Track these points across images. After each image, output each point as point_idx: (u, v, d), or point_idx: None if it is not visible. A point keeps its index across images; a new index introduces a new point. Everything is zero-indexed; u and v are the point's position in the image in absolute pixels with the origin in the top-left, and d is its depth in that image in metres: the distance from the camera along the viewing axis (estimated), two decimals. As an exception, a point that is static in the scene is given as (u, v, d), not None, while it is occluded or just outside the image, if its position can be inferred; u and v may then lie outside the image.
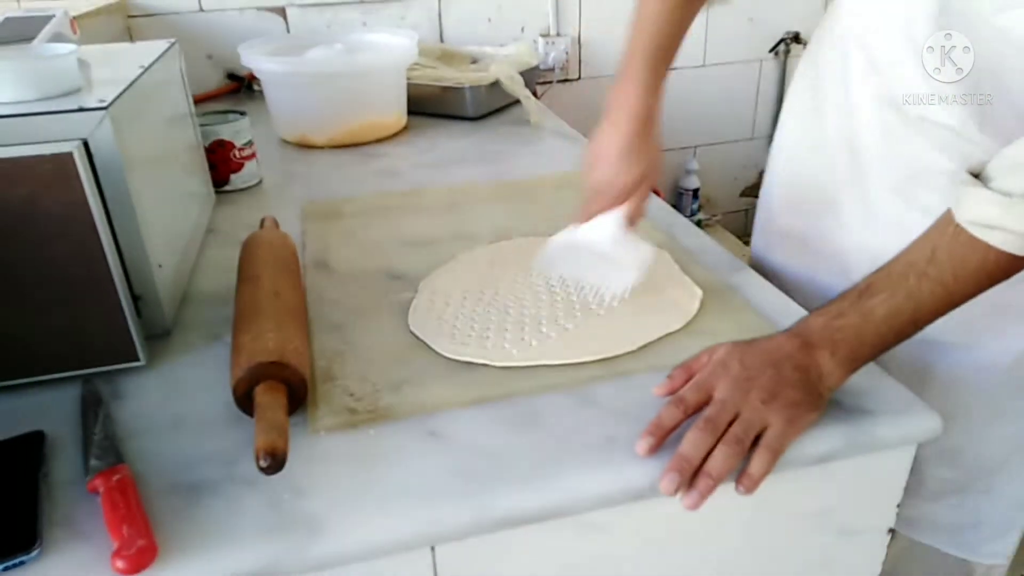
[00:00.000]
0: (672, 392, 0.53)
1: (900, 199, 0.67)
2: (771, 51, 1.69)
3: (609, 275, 0.66)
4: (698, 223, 1.74)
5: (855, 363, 0.52)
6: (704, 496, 0.47)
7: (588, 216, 0.68)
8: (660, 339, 0.61)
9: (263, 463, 0.44)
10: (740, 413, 0.49)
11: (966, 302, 0.51)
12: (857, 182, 0.71)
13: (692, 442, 0.48)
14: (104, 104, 0.57)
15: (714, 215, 1.84)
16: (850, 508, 0.55)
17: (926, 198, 0.65)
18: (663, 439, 0.49)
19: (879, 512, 0.56)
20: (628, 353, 0.59)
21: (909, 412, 0.52)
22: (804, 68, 0.80)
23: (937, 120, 0.62)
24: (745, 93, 1.70)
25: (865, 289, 0.53)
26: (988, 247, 0.48)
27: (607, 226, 0.66)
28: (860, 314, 0.52)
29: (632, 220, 0.67)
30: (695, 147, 1.78)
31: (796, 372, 0.51)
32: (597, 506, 0.48)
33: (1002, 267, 0.49)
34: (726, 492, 0.48)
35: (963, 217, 0.50)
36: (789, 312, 0.65)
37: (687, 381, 0.53)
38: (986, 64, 0.56)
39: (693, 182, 1.76)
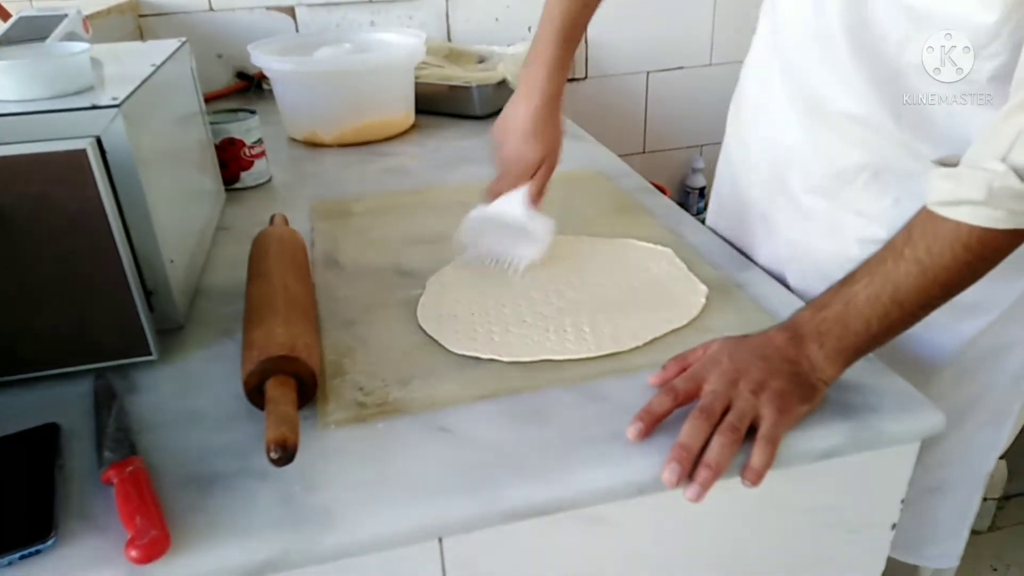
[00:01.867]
0: (664, 382, 0.54)
1: (826, 199, 0.69)
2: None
3: (518, 247, 0.72)
4: (703, 221, 1.74)
5: (845, 353, 0.52)
6: (705, 487, 0.47)
7: (496, 193, 0.73)
8: (665, 335, 0.61)
9: (274, 455, 0.45)
10: (732, 403, 0.50)
11: (953, 284, 0.51)
12: (781, 186, 0.73)
13: (689, 431, 0.49)
14: (117, 102, 0.58)
15: (721, 214, 1.84)
16: (854, 504, 0.56)
17: (853, 197, 0.66)
18: (653, 425, 0.50)
19: (883, 508, 0.56)
20: (634, 349, 0.59)
21: (913, 408, 0.53)
22: (743, 65, 0.82)
23: (850, 113, 0.63)
24: (752, 92, 1.70)
25: (847, 279, 0.54)
26: (958, 223, 0.49)
27: (514, 202, 0.72)
28: (843, 302, 0.53)
29: (535, 197, 0.72)
30: (701, 146, 1.78)
31: (785, 363, 0.52)
32: (603, 500, 0.48)
33: (978, 239, 0.49)
34: (731, 487, 0.49)
35: (931, 199, 0.51)
36: (793, 307, 0.65)
37: (680, 372, 0.54)
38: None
39: (699, 180, 1.76)
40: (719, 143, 1.95)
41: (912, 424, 0.52)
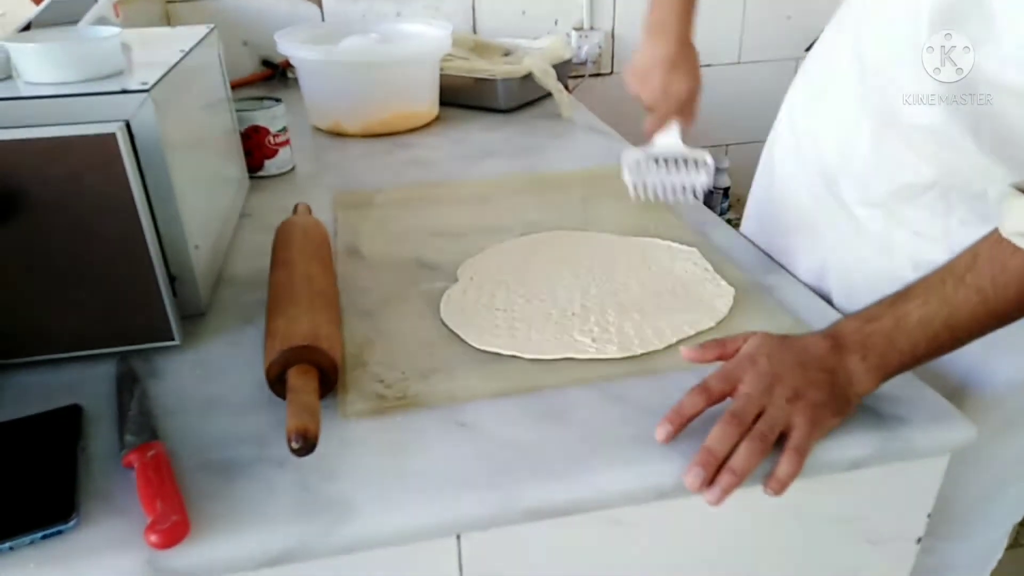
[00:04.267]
0: (700, 360, 0.53)
1: (882, 213, 0.66)
2: (807, 49, 1.66)
3: (684, 177, 0.80)
4: (728, 222, 1.72)
5: (886, 369, 0.51)
6: (726, 492, 0.46)
7: (653, 128, 0.79)
8: (690, 337, 0.60)
9: (295, 444, 0.45)
10: (765, 409, 0.49)
11: (1010, 317, 0.50)
12: (833, 195, 0.71)
13: (718, 436, 0.47)
14: (146, 87, 0.58)
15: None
16: (880, 516, 0.55)
17: (912, 216, 0.64)
18: (682, 426, 0.49)
19: (909, 521, 0.55)
20: (657, 351, 0.59)
21: (944, 420, 0.51)
22: (803, 69, 0.80)
23: (923, 125, 0.60)
24: (780, 92, 1.68)
25: (901, 294, 0.52)
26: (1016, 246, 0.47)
27: (672, 136, 0.80)
28: (893, 318, 0.51)
29: (685, 129, 0.79)
30: (727, 145, 1.76)
31: (823, 373, 0.50)
32: (623, 502, 0.48)
33: None
34: (754, 493, 0.48)
35: (1007, 229, 0.48)
36: (824, 315, 0.64)
37: (717, 358, 0.53)
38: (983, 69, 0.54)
39: (724, 180, 1.74)
40: (745, 143, 1.93)
41: (943, 436, 0.51)
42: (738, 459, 0.47)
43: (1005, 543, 0.77)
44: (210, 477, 0.47)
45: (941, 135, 0.59)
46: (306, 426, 0.45)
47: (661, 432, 0.49)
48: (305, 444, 0.45)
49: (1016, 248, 0.48)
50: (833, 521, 0.54)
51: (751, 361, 0.51)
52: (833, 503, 0.53)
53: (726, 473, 0.46)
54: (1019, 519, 0.76)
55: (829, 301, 0.69)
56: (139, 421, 0.51)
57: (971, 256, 0.50)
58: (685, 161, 0.80)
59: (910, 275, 0.64)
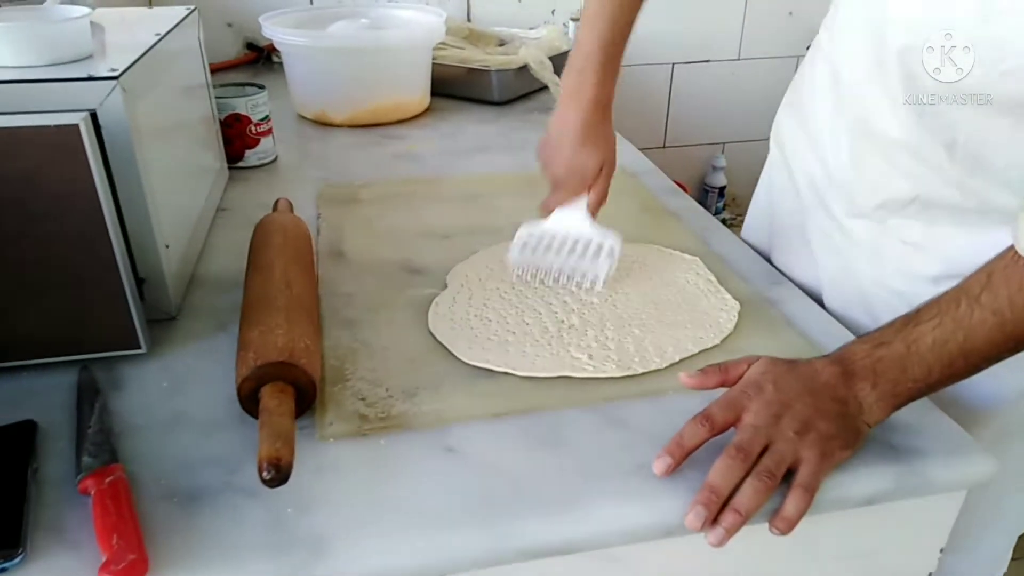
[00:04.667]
0: (701, 387, 0.50)
1: (870, 224, 0.64)
2: (809, 47, 1.63)
3: (585, 263, 0.66)
4: (723, 222, 1.70)
5: (898, 398, 0.48)
6: (730, 533, 0.43)
7: (553, 206, 0.69)
8: (693, 356, 0.57)
9: (266, 475, 0.41)
10: (772, 443, 0.45)
11: None
12: (823, 207, 0.69)
13: (721, 471, 0.44)
14: (115, 73, 0.53)
15: (739, 215, 1.80)
16: (891, 552, 0.52)
17: (899, 224, 0.62)
18: (683, 459, 0.46)
19: (921, 556, 0.52)
20: (659, 370, 0.55)
21: (962, 454, 0.48)
22: (792, 82, 0.77)
23: (897, 139, 0.58)
24: (779, 89, 1.65)
25: (913, 316, 0.49)
26: None
27: (576, 214, 0.68)
28: (905, 343, 0.48)
29: (594, 208, 0.68)
30: (723, 143, 1.73)
31: (833, 403, 0.47)
32: (625, 540, 0.44)
33: None
34: (760, 531, 0.45)
35: (1019, 245, 0.45)
36: (831, 332, 0.61)
37: (719, 384, 0.49)
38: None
39: (720, 180, 1.71)
40: (742, 141, 1.90)
41: (961, 471, 0.48)
42: (743, 497, 0.43)
43: (1010, 555, 0.75)
44: (174, 507, 0.43)
45: (914, 150, 0.57)
46: (279, 455, 0.41)
47: (660, 465, 0.45)
48: (278, 475, 0.41)
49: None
50: (842, 558, 0.51)
51: (756, 388, 0.48)
52: (843, 539, 0.50)
53: (730, 512, 0.43)
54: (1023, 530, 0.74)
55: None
56: (98, 440, 0.47)
57: (985, 276, 0.47)
58: (587, 245, 0.67)
59: (899, 285, 0.62)
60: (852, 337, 0.60)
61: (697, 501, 0.43)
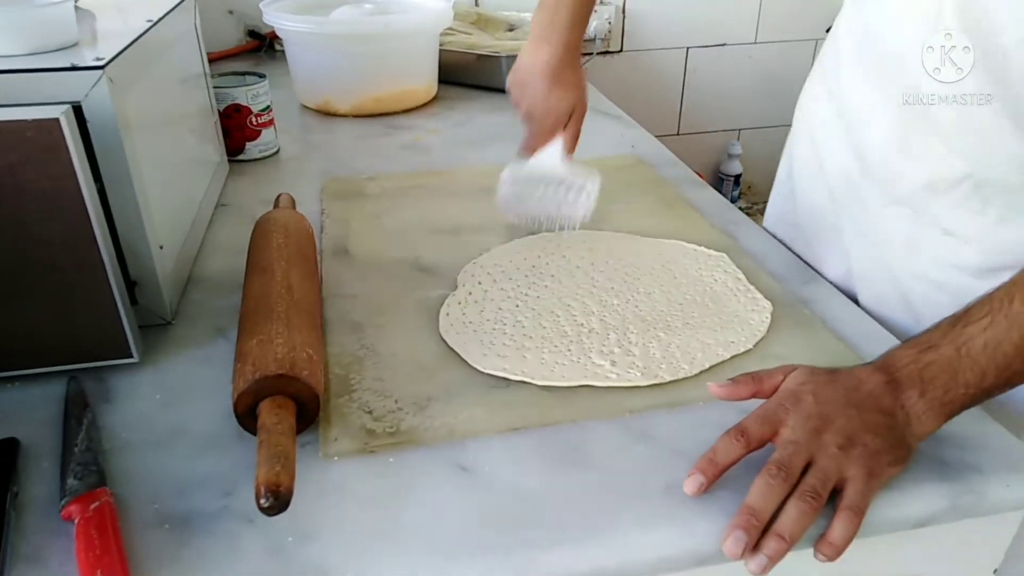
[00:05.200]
0: (732, 398, 0.46)
1: (910, 212, 0.60)
2: (828, 30, 1.58)
3: (567, 202, 0.69)
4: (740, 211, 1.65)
5: (950, 406, 0.43)
6: (774, 561, 0.39)
7: (532, 149, 0.70)
8: (725, 362, 0.53)
9: (264, 503, 0.37)
10: (815, 460, 0.41)
11: None
12: (857, 194, 0.65)
13: (763, 493, 0.40)
14: (101, 63, 0.49)
15: (755, 203, 1.75)
16: (944, 573, 0.48)
17: (944, 214, 0.57)
18: (716, 477, 0.42)
19: (973, 578, 0.49)
20: (688, 378, 0.51)
21: (1022, 469, 0.44)
22: (816, 64, 0.73)
23: (954, 113, 0.53)
24: (797, 74, 1.59)
25: (961, 316, 0.45)
26: None
27: (553, 156, 0.70)
28: (954, 346, 0.44)
29: (570, 148, 0.70)
30: (739, 130, 1.67)
31: (879, 415, 0.43)
32: (655, 570, 0.40)
33: None
34: (802, 557, 0.41)
35: None
36: (871, 334, 0.57)
37: (752, 395, 0.45)
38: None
39: (735, 167, 1.66)
40: (759, 128, 1.84)
41: (1022, 489, 0.44)
42: (786, 521, 0.39)
43: None
44: (165, 534, 0.40)
45: (974, 124, 0.53)
46: (278, 480, 0.38)
47: (692, 485, 0.41)
48: (276, 502, 0.37)
49: None
50: (890, 580, 0.47)
51: (795, 400, 0.43)
52: (890, 563, 0.46)
53: (772, 538, 0.39)
54: None
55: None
56: (85, 460, 0.43)
57: None
58: (569, 186, 0.69)
59: (939, 276, 0.58)
60: (892, 338, 0.56)
61: (736, 525, 0.39)
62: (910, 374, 0.44)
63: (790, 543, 0.39)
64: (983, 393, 0.44)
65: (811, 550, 0.41)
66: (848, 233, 0.67)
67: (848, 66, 0.65)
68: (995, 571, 0.48)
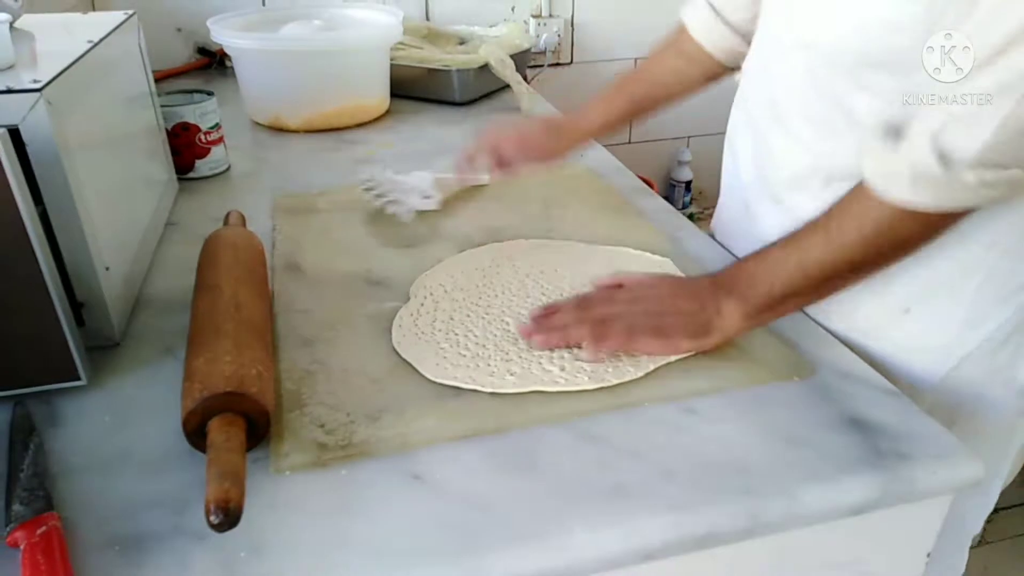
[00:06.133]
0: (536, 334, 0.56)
1: (776, 208, 0.66)
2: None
3: (411, 199, 0.79)
4: (690, 216, 1.69)
5: (749, 305, 0.54)
6: (546, 341, 0.55)
7: (462, 162, 0.79)
8: (670, 363, 0.54)
9: (214, 519, 0.37)
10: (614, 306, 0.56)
11: (857, 260, 0.52)
12: (744, 200, 0.71)
13: (560, 310, 0.56)
14: (38, 85, 0.49)
15: (706, 207, 1.79)
16: (879, 558, 0.50)
17: (796, 203, 0.63)
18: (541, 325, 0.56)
19: (908, 562, 0.51)
20: (635, 380, 0.53)
21: (949, 456, 0.47)
22: None
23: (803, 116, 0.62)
24: (742, 83, 1.64)
25: (792, 234, 0.55)
26: (864, 192, 0.50)
27: (424, 179, 0.83)
28: (756, 260, 0.56)
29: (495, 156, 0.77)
30: (688, 137, 1.71)
31: (690, 301, 0.55)
32: (605, 567, 0.41)
33: (886, 216, 0.49)
34: (748, 546, 0.43)
35: (866, 173, 0.51)
36: (815, 334, 0.59)
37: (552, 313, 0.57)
38: None
39: (686, 174, 1.70)
40: (707, 135, 1.88)
41: (948, 475, 0.46)
42: (561, 320, 0.55)
43: (966, 557, 0.74)
44: (115, 556, 0.40)
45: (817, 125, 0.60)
46: (228, 495, 0.38)
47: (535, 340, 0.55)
48: (226, 518, 0.37)
49: (859, 191, 0.51)
50: (831, 566, 0.49)
51: (634, 282, 0.59)
52: (829, 549, 0.48)
53: (555, 330, 0.55)
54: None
55: None
56: (31, 486, 0.43)
57: (831, 206, 0.53)
58: (420, 191, 0.80)
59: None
60: (822, 332, 0.59)
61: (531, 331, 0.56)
62: (725, 279, 0.56)
63: (563, 338, 0.55)
64: (774, 300, 0.54)
65: (756, 542, 0.43)
66: (760, 225, 0.69)
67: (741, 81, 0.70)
68: (928, 555, 0.51)
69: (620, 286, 0.59)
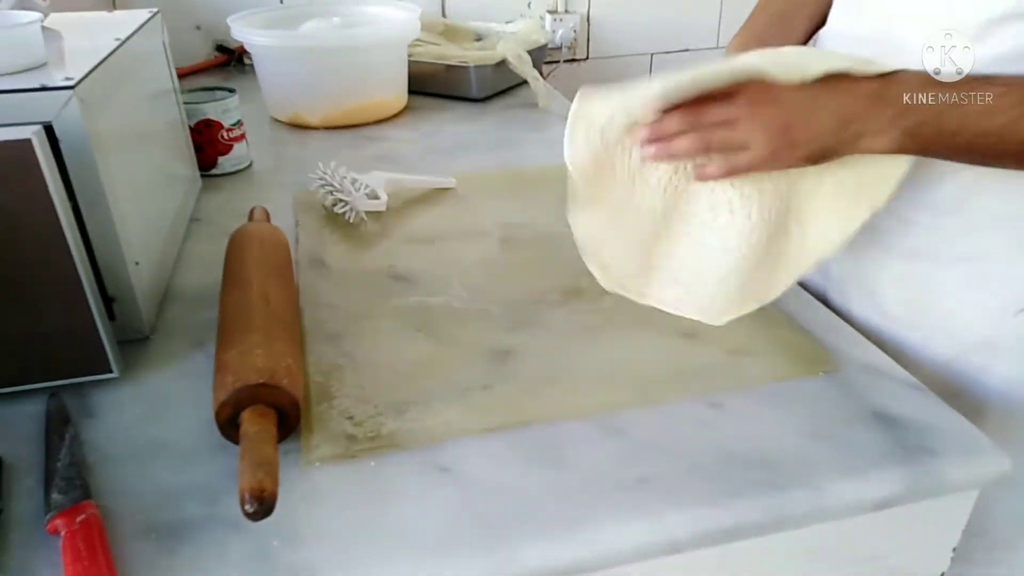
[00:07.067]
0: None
1: None
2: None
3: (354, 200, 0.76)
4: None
5: (909, 136, 0.48)
6: (660, 147, 0.51)
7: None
8: (691, 361, 0.55)
9: (248, 508, 0.38)
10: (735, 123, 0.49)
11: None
12: None
13: (671, 118, 0.50)
14: (71, 83, 0.50)
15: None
16: (904, 553, 0.50)
17: None
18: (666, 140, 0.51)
19: (934, 556, 0.51)
20: (655, 379, 0.53)
21: (976, 452, 0.47)
22: None
23: None
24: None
25: (981, 78, 0.49)
26: None
27: (378, 179, 0.81)
28: (959, 96, 0.48)
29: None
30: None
31: (831, 119, 0.48)
32: (632, 559, 0.42)
33: None
34: (775, 539, 0.43)
35: None
36: (838, 329, 0.59)
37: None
38: None
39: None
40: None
41: (975, 470, 0.46)
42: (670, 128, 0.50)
43: None
44: (152, 544, 0.41)
45: None
46: (262, 485, 0.39)
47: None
48: (261, 507, 0.38)
49: None
50: (854, 562, 0.49)
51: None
52: (854, 543, 0.48)
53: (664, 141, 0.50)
54: None
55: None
56: (68, 475, 0.44)
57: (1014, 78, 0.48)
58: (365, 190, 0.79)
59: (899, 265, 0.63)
60: (847, 328, 0.59)
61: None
62: (898, 95, 0.48)
63: (672, 148, 0.50)
64: (948, 148, 0.50)
65: (780, 536, 0.43)
66: None
67: None
68: (954, 550, 0.51)
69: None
